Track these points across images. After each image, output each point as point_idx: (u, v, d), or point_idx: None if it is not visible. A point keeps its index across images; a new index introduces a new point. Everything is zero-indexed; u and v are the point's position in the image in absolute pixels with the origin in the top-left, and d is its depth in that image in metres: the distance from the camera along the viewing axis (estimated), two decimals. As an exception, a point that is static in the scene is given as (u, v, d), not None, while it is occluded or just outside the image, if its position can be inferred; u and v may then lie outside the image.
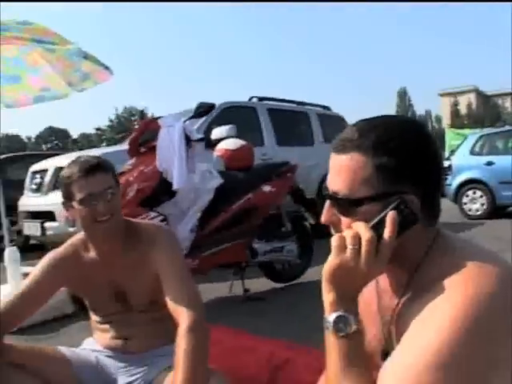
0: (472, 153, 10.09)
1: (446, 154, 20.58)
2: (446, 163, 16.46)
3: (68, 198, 1.91)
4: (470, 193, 9.94)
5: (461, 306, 0.89)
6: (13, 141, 75.25)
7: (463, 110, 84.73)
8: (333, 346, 0.99)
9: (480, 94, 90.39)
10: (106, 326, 2.11)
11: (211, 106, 3.90)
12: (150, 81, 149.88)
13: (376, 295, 1.17)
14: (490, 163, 9.62)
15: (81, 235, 2.08)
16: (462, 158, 10.25)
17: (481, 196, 9.80)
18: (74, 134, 79.16)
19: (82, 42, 4.47)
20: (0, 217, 4.96)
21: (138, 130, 3.94)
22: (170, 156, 3.63)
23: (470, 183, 9.93)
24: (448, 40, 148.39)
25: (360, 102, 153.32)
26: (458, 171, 10.16)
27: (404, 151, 1.00)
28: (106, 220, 1.89)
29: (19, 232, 8.35)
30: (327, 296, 1.01)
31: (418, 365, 0.89)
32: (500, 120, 65.81)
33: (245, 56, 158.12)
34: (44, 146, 73.63)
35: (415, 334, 0.94)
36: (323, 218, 1.06)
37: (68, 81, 4.77)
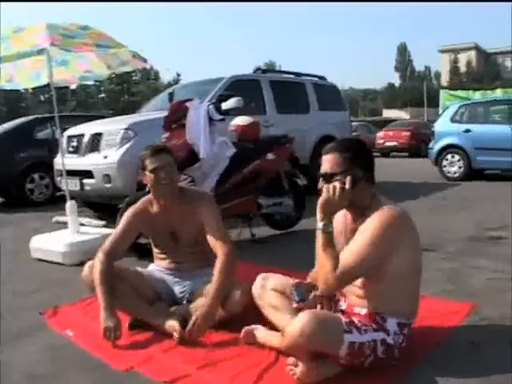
0: (452, 120, 11.00)
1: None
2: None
3: (143, 168, 3.05)
4: (449, 157, 10.91)
5: (379, 222, 2.20)
6: (9, 92, 74.98)
7: (463, 67, 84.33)
8: (320, 238, 2.27)
9: (480, 52, 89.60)
10: (164, 256, 3.29)
11: (229, 96, 4.97)
12: (147, 34, 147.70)
13: (345, 222, 2.42)
14: (467, 130, 10.55)
15: (148, 196, 3.22)
16: (443, 125, 11.18)
17: (458, 160, 10.76)
18: (73, 86, 78.58)
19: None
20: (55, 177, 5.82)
21: (170, 111, 4.95)
22: (196, 132, 4.69)
23: (450, 148, 10.86)
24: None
25: (360, 58, 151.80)
26: (439, 137, 11.13)
27: (355, 152, 2.31)
28: (166, 184, 3.03)
29: (47, 186, 9.48)
30: (319, 214, 2.29)
31: (359, 245, 2.20)
32: (499, 79, 65.61)
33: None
34: (42, 97, 73.29)
35: (359, 233, 2.24)
36: (319, 186, 2.35)
37: (108, 65, 5.76)
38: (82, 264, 4.59)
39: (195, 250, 3.19)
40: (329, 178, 2.29)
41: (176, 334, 2.75)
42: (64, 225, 6.35)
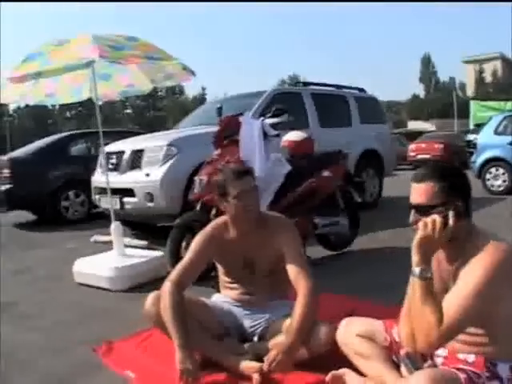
0: (496, 132, 10.63)
1: (471, 125, 20.86)
2: (470, 136, 16.86)
3: (223, 194, 2.73)
4: (493, 170, 10.53)
5: (487, 265, 1.84)
6: (37, 108, 76.08)
7: (488, 77, 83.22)
8: (418, 286, 1.89)
9: (506, 62, 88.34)
10: (235, 285, 2.95)
11: (285, 110, 4.68)
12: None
13: (437, 264, 2.07)
14: (513, 143, 10.16)
15: (221, 219, 2.90)
16: (487, 137, 10.80)
17: (503, 173, 10.39)
18: (99, 101, 78.87)
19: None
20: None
21: (222, 126, 4.68)
22: (251, 148, 4.41)
23: (494, 161, 10.49)
24: (473, 5, 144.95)
25: (383, 70, 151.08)
26: (482, 149, 10.76)
27: (455, 180, 1.98)
28: (252, 209, 2.72)
29: (82, 204, 9.28)
30: (415, 256, 1.92)
31: (462, 296, 1.83)
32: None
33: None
34: (68, 113, 74.13)
35: (463, 280, 1.88)
36: (411, 219, 2.01)
37: (151, 78, 5.51)
38: (128, 290, 4.41)
39: (270, 280, 2.86)
40: (425, 210, 1.94)
41: (256, 376, 2.44)
42: (103, 245, 6.13)
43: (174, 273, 2.73)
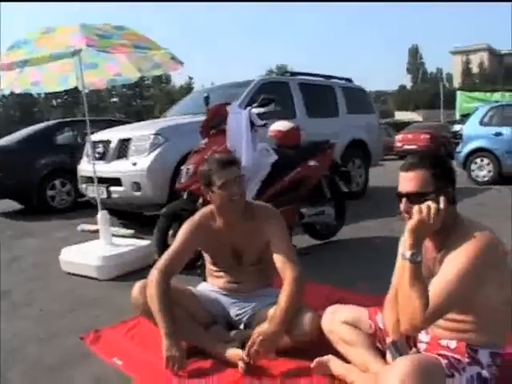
0: (481, 123, 10.71)
1: (457, 116, 20.98)
2: (456, 127, 16.96)
3: (208, 184, 2.75)
4: (478, 160, 10.63)
5: (470, 252, 1.90)
6: (23, 96, 75.15)
7: (475, 68, 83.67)
8: (407, 269, 1.96)
9: (492, 53, 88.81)
10: (222, 274, 2.98)
11: (272, 99, 4.69)
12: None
13: (423, 252, 2.09)
14: (498, 134, 10.25)
15: (208, 208, 2.91)
16: (472, 128, 10.88)
17: (488, 164, 10.48)
18: (86, 89, 77.90)
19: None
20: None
21: (209, 115, 4.68)
22: (238, 138, 4.41)
23: (479, 151, 10.57)
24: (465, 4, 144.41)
25: (372, 61, 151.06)
26: (467, 140, 10.85)
27: (443, 168, 2.04)
28: (238, 199, 2.74)
29: (68, 192, 9.22)
30: (408, 240, 1.98)
31: (446, 281, 1.90)
32: None
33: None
34: (54, 102, 73.35)
35: (447, 265, 1.95)
36: (402, 208, 2.03)
37: (139, 67, 5.47)
38: (115, 279, 4.43)
39: (257, 268, 2.90)
40: (417, 198, 1.99)
41: (241, 364, 2.47)
42: (91, 233, 6.13)
43: (161, 261, 2.75)
